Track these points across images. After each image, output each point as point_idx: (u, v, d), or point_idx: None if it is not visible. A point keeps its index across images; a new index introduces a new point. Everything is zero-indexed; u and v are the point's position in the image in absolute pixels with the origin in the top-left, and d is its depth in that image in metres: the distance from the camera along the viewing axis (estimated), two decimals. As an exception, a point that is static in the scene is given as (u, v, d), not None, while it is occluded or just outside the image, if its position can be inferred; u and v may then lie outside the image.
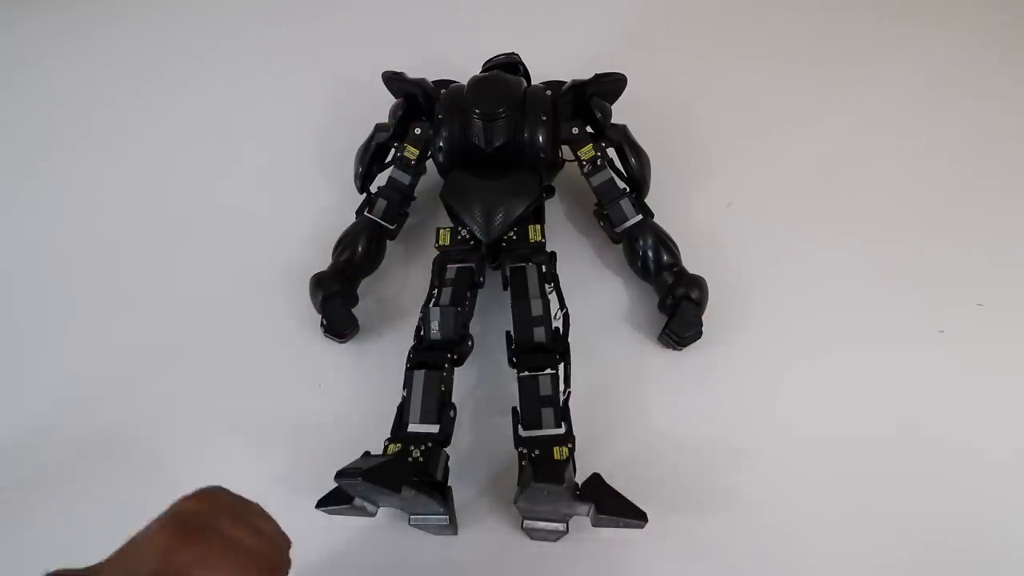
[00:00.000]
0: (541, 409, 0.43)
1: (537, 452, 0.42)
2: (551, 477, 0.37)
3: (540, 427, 0.43)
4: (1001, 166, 0.65)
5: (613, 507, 0.39)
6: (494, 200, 0.51)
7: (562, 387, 0.45)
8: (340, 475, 0.38)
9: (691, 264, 0.54)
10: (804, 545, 0.45)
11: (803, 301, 0.56)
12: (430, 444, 0.43)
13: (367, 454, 0.42)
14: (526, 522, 0.43)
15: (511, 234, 0.52)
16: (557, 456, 0.42)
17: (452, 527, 0.44)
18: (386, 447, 0.43)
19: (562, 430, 0.43)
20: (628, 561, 0.45)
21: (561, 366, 0.46)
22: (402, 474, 0.38)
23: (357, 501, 0.41)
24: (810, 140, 0.67)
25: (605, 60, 0.59)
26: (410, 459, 0.42)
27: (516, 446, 0.43)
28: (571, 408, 0.44)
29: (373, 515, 0.43)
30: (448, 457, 0.44)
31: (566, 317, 0.48)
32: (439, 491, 0.41)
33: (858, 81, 0.73)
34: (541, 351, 0.46)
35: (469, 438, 0.50)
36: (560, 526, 0.43)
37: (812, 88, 0.72)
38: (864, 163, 0.65)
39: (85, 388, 0.56)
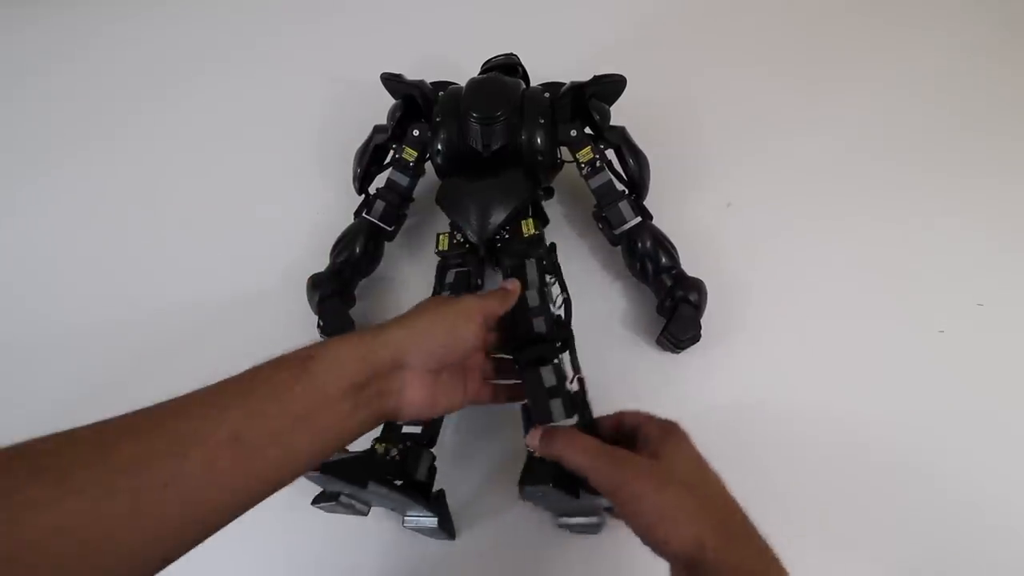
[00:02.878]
0: (549, 401, 0.40)
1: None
2: (536, 479, 0.37)
3: (551, 420, 0.39)
4: (1001, 166, 0.65)
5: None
6: (484, 201, 0.51)
7: (570, 373, 0.42)
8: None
9: (690, 266, 0.54)
10: (804, 543, 0.45)
11: (802, 303, 0.56)
12: (409, 443, 0.42)
13: (344, 451, 0.42)
14: (561, 519, 0.43)
15: (504, 233, 0.51)
16: None
17: (447, 531, 0.44)
18: (372, 446, 0.43)
19: (573, 420, 0.40)
20: (629, 561, 0.45)
21: (566, 353, 0.44)
22: (369, 469, 0.38)
23: (344, 499, 0.41)
24: (809, 141, 0.67)
25: (604, 61, 0.59)
26: (387, 457, 0.42)
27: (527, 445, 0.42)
28: None
29: (365, 514, 0.43)
30: (434, 458, 0.44)
31: (567, 303, 0.47)
32: (420, 491, 0.41)
33: (857, 82, 0.73)
34: (541, 342, 0.44)
35: (468, 438, 0.50)
36: (593, 519, 0.42)
37: (811, 89, 0.72)
38: (864, 164, 0.65)
39: (85, 389, 0.56)
